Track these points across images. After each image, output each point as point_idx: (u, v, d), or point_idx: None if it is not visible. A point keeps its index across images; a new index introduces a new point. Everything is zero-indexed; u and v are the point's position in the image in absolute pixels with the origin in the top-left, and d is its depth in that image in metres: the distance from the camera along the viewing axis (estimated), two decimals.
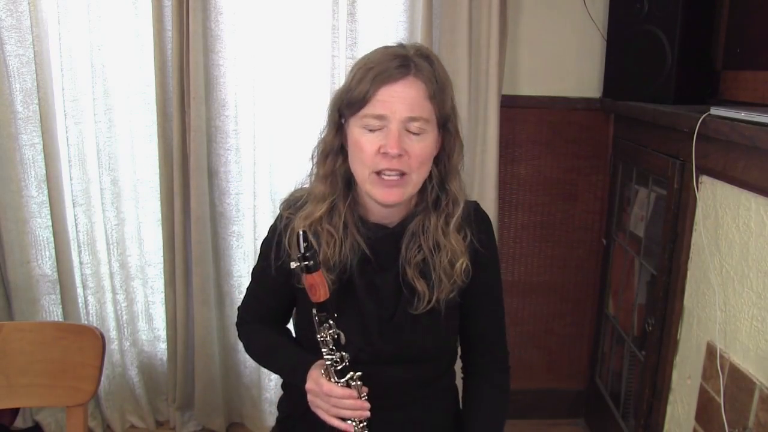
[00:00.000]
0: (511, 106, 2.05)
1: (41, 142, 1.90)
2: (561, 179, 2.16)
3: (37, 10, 1.80)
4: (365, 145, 1.01)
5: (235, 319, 1.29)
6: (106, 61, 1.91)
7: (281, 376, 1.28)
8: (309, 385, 1.05)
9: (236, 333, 1.29)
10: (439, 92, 1.03)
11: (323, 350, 1.00)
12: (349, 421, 1.03)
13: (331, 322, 0.99)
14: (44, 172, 1.93)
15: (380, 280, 1.11)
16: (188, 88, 1.86)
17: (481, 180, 2.01)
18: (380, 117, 1.00)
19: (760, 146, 1.20)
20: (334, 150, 1.09)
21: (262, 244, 1.20)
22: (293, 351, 1.17)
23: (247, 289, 1.27)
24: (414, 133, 1.01)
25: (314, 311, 0.98)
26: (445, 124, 1.06)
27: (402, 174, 1.01)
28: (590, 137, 2.13)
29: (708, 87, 1.77)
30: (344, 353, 1.00)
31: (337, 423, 1.03)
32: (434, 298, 1.07)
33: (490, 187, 2.00)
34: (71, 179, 1.97)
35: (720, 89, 1.77)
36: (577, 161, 2.15)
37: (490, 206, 2.00)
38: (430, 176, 1.08)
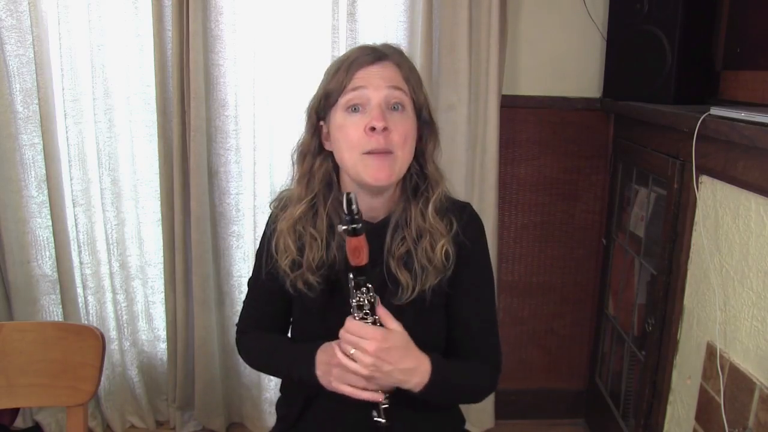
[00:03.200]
0: (511, 106, 2.05)
1: (41, 142, 1.90)
2: (561, 179, 2.16)
3: (37, 10, 1.80)
4: (350, 127, 1.04)
5: (235, 320, 1.29)
6: (106, 61, 1.91)
7: (285, 373, 1.21)
8: (320, 356, 1.05)
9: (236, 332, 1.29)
10: (413, 78, 1.08)
11: (357, 315, 1.00)
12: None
13: (369, 285, 0.99)
14: (44, 172, 1.93)
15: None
16: (188, 88, 1.86)
17: (481, 180, 2.01)
18: (362, 95, 1.03)
19: (760, 146, 1.20)
20: (312, 151, 1.12)
21: (256, 252, 1.22)
22: (295, 344, 1.17)
23: (244, 301, 1.27)
24: (396, 111, 1.05)
25: (351, 275, 0.99)
26: (420, 112, 1.10)
27: (388, 152, 1.03)
28: (590, 137, 2.13)
29: (708, 87, 1.77)
30: (377, 317, 1.01)
31: (366, 395, 1.02)
32: (417, 287, 1.08)
33: (490, 187, 2.00)
34: (71, 179, 1.97)
35: (720, 89, 1.77)
36: (577, 161, 2.15)
37: (490, 206, 2.00)
38: (409, 167, 1.10)
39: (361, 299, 1.00)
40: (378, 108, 1.03)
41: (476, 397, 1.18)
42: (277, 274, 1.12)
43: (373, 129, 1.01)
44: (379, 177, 1.03)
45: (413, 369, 1.03)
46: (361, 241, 0.96)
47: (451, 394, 1.13)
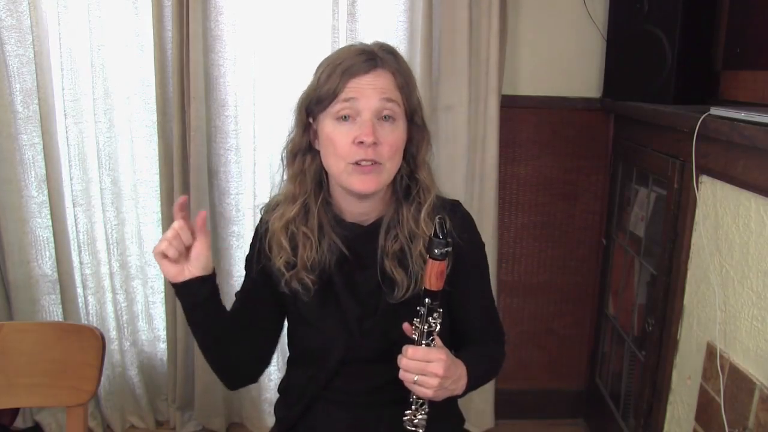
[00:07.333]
0: (511, 106, 2.05)
1: (41, 142, 1.90)
2: (561, 179, 2.16)
3: (37, 10, 1.80)
4: (338, 137, 1.03)
5: None
6: (106, 61, 1.91)
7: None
8: None
9: None
10: (405, 85, 1.06)
11: (423, 342, 0.98)
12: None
13: (441, 310, 0.98)
14: (44, 172, 1.93)
15: (360, 278, 1.11)
16: (188, 88, 1.86)
17: (481, 180, 2.01)
18: (353, 106, 1.02)
19: (760, 146, 1.20)
20: (302, 149, 1.11)
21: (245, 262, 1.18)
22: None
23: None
24: (386, 121, 1.03)
25: (427, 300, 0.97)
26: (413, 117, 1.09)
27: (376, 162, 1.03)
28: (590, 137, 2.13)
29: (708, 87, 1.77)
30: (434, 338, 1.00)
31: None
32: (412, 286, 1.07)
33: (490, 188, 2.00)
34: (71, 179, 1.97)
35: (720, 89, 1.76)
36: (577, 161, 2.15)
37: (490, 206, 2.00)
38: (399, 169, 1.09)
39: (434, 324, 0.98)
40: (369, 121, 1.01)
41: (496, 373, 1.23)
42: (270, 273, 1.11)
43: (361, 142, 1.01)
44: (365, 187, 1.04)
45: (460, 376, 1.04)
46: (444, 265, 0.94)
47: (481, 381, 1.17)
